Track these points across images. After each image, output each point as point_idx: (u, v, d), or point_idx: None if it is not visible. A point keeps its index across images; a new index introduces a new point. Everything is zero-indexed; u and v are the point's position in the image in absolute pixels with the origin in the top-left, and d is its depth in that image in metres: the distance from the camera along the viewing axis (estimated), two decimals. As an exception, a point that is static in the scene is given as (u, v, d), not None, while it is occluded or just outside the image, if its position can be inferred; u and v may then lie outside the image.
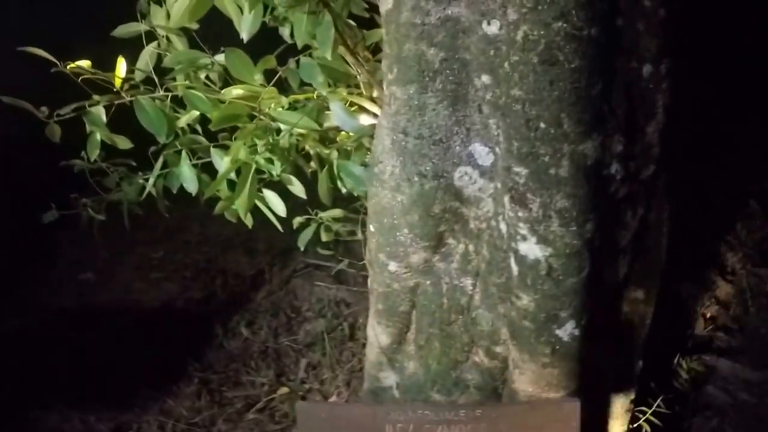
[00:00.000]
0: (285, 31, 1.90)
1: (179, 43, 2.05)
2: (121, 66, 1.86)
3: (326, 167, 1.95)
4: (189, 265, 3.50)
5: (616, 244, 1.73)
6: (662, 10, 1.54)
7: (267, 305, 3.15)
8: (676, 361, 2.56)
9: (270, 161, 1.87)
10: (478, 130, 1.55)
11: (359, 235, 2.21)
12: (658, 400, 2.14)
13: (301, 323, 3.02)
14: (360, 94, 1.92)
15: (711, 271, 3.02)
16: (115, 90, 1.86)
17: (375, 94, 1.89)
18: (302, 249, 2.16)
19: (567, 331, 1.60)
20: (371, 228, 1.72)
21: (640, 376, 2.05)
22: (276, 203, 1.97)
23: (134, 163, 2.14)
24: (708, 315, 2.85)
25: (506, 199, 1.52)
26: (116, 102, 1.86)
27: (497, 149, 1.53)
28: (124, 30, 2.04)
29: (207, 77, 2.04)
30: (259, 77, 1.81)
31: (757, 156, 3.37)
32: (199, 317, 3.07)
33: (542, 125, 1.41)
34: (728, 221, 3.24)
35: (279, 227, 2.03)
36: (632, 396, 2.04)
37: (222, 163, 1.87)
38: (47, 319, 3.02)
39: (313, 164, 2.04)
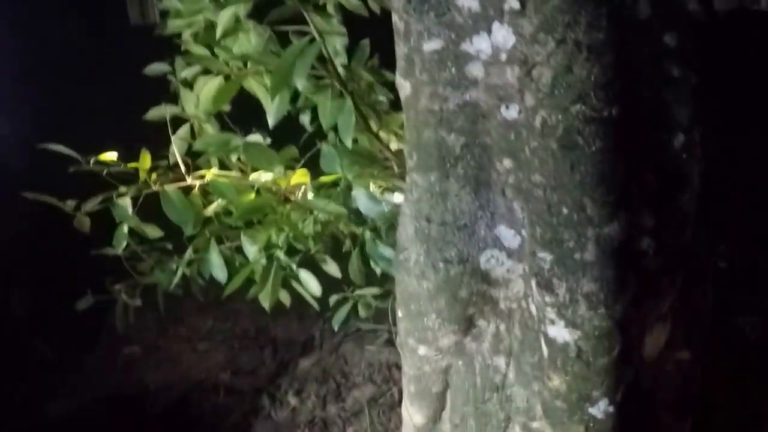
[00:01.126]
0: (306, 119, 1.92)
1: (209, 127, 2.08)
2: (146, 158, 1.89)
3: (358, 248, 1.95)
4: (238, 334, 3.50)
5: (655, 313, 1.69)
6: (693, 77, 1.51)
7: (317, 372, 3.14)
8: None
9: (295, 249, 1.88)
10: (503, 213, 1.54)
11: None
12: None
13: (350, 389, 3.00)
14: (390, 175, 1.93)
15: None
16: (142, 181, 1.90)
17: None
18: (336, 329, 2.16)
19: (601, 409, 1.57)
20: (399, 314, 1.72)
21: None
22: (310, 283, 1.98)
23: (169, 246, 2.18)
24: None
25: (533, 282, 1.50)
26: (145, 192, 1.90)
27: (523, 231, 1.52)
28: (155, 113, 2.09)
29: (239, 159, 2.07)
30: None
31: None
32: (247, 388, 3.07)
33: (565, 211, 1.40)
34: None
35: (315, 305, 2.04)
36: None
37: (250, 250, 1.89)
38: (93, 399, 3.04)
39: (347, 242, 2.05)
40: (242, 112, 2.06)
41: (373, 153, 1.87)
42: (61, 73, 3.48)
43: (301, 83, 1.66)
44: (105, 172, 1.85)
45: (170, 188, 1.83)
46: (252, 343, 3.44)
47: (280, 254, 1.85)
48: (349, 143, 1.71)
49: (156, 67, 2.16)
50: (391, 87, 1.90)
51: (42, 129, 2.19)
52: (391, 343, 3.19)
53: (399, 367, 2.99)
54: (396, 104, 1.91)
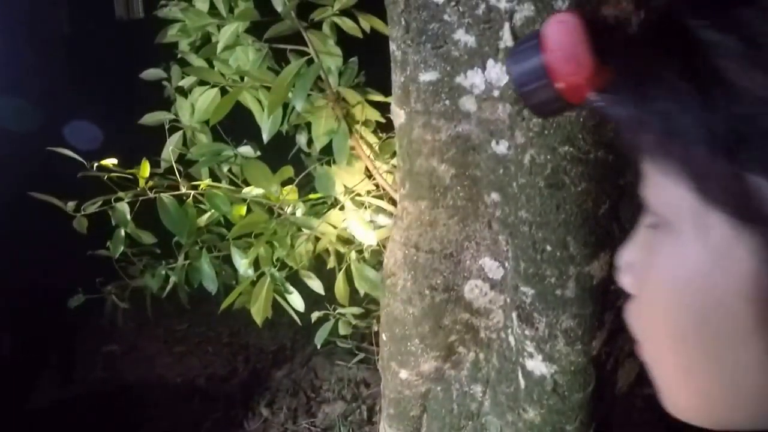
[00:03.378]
0: (302, 139, 1.95)
1: (203, 136, 2.11)
2: (146, 167, 1.92)
3: (344, 269, 1.98)
4: (212, 338, 3.53)
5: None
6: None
7: (288, 384, 3.17)
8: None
9: (283, 264, 1.91)
10: (488, 245, 1.57)
11: (376, 328, 2.23)
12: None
13: (321, 404, 3.03)
14: (379, 196, 1.96)
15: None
16: (140, 188, 1.92)
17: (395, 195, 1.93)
18: (318, 346, 2.19)
19: (574, 444, 1.61)
20: (383, 337, 1.75)
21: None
22: (295, 299, 2.01)
23: (158, 251, 2.20)
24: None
25: (514, 315, 1.54)
26: (141, 198, 1.93)
27: (506, 264, 1.56)
28: (150, 118, 2.12)
29: (230, 170, 2.10)
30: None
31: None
32: (221, 395, 3.09)
33: (548, 248, 1.44)
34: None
35: (298, 320, 2.06)
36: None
37: (241, 263, 1.91)
38: (73, 392, 3.06)
39: (332, 260, 2.08)
40: (234, 122, 2.08)
41: (362, 174, 1.90)
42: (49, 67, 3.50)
43: (300, 104, 1.69)
44: (106, 177, 1.87)
45: (166, 197, 1.85)
46: (225, 348, 3.46)
47: (274, 271, 1.87)
48: (343, 164, 1.75)
49: (152, 73, 2.18)
50: (381, 107, 1.93)
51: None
52: (361, 360, 3.22)
53: (367, 385, 3.04)
54: (384, 125, 1.95)
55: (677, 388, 0.58)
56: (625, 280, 0.62)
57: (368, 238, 1.80)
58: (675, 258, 0.52)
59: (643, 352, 0.60)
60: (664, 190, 0.52)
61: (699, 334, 0.51)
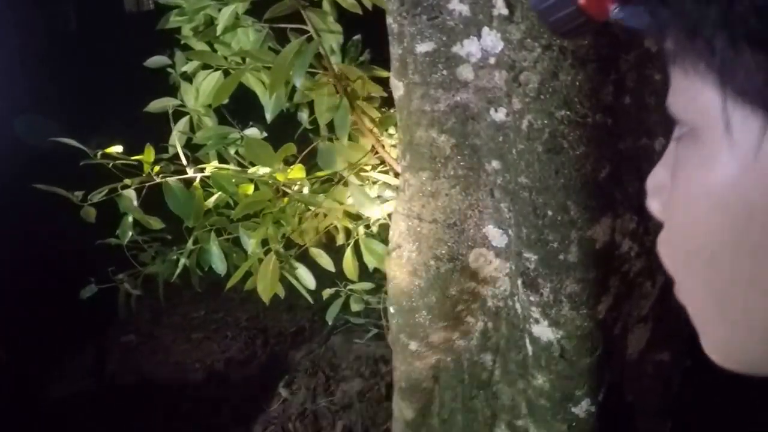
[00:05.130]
0: (303, 116, 1.96)
1: (208, 120, 2.12)
2: (150, 152, 1.93)
3: (352, 244, 1.99)
4: (230, 324, 3.56)
5: (637, 314, 1.74)
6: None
7: (306, 364, 3.19)
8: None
9: (291, 242, 1.93)
10: (491, 213, 1.58)
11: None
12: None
13: (339, 382, 3.05)
14: (384, 171, 1.97)
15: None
16: (145, 173, 1.94)
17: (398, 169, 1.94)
18: (330, 322, 2.20)
19: (583, 408, 1.61)
20: (391, 309, 1.76)
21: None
22: (305, 277, 2.02)
23: (169, 237, 2.22)
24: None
25: (519, 282, 1.54)
26: (148, 184, 1.94)
27: (510, 231, 1.56)
28: (156, 105, 2.13)
29: (236, 152, 2.11)
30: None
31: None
32: (240, 378, 3.12)
33: (549, 213, 1.44)
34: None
35: (309, 299, 2.08)
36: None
37: (248, 243, 1.93)
38: (92, 384, 3.11)
39: (341, 237, 2.09)
40: (239, 105, 2.10)
41: (367, 150, 1.91)
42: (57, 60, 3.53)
43: (299, 81, 1.70)
44: (111, 164, 1.89)
45: (172, 181, 1.86)
46: (244, 333, 3.49)
47: (279, 248, 1.89)
48: (344, 140, 1.75)
49: (156, 60, 2.19)
50: (383, 83, 1.93)
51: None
52: (378, 337, 3.24)
53: (386, 362, 3.06)
54: (388, 101, 1.94)
55: (714, 325, 0.54)
56: (654, 205, 0.59)
57: (371, 210, 1.80)
58: (702, 168, 0.48)
59: (677, 290, 0.56)
60: (691, 95, 0.48)
61: (733, 255, 0.48)
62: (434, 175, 1.58)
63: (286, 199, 1.91)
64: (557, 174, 1.41)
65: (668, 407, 1.99)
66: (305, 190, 1.94)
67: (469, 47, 1.48)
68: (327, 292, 2.19)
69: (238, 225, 2.03)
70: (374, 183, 1.94)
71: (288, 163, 1.95)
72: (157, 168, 1.91)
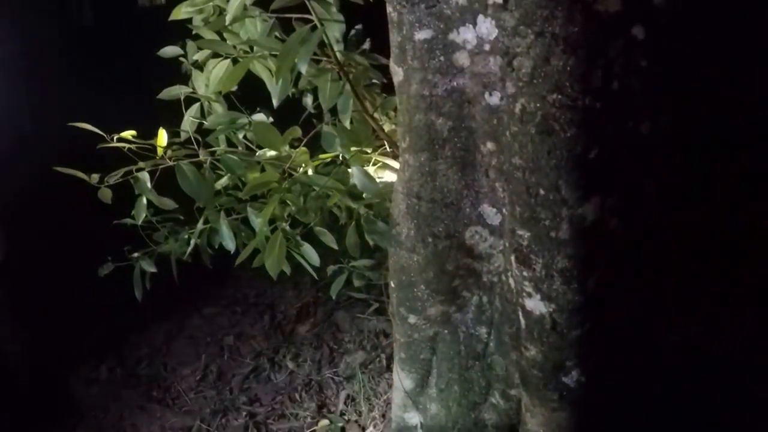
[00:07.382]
0: (308, 101, 2.04)
1: (218, 106, 2.20)
2: (163, 136, 2.01)
3: (354, 222, 2.07)
4: (239, 300, 3.65)
5: (627, 288, 1.81)
6: (660, 67, 1.61)
7: (311, 338, 3.29)
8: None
9: (296, 221, 2.01)
10: (486, 192, 1.66)
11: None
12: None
13: (342, 355, 3.15)
14: (385, 154, 2.05)
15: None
16: (159, 156, 2.02)
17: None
18: (333, 297, 2.29)
19: (573, 378, 1.70)
20: (392, 284, 1.85)
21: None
22: (310, 254, 2.10)
23: (182, 217, 2.31)
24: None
25: (512, 258, 1.63)
26: (161, 167, 2.02)
27: (504, 210, 1.64)
28: (168, 93, 2.21)
29: (245, 136, 2.19)
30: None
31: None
32: (248, 351, 3.23)
33: (541, 192, 1.51)
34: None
35: (314, 275, 2.16)
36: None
37: (256, 222, 2.01)
38: (111, 358, 3.23)
39: (344, 215, 2.18)
40: (248, 92, 2.17)
41: (368, 133, 1.98)
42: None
43: (304, 68, 1.77)
44: (126, 148, 1.97)
45: (184, 163, 1.94)
46: (252, 308, 3.58)
47: (286, 227, 1.97)
48: (347, 124, 1.84)
49: (169, 50, 2.26)
50: (384, 70, 2.00)
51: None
52: (379, 311, 3.33)
53: (387, 335, 3.15)
54: (389, 87, 2.02)
55: None
56: None
57: (370, 187, 1.88)
58: None
59: None
60: None
61: None
62: (432, 156, 1.66)
63: (290, 180, 1.99)
64: (549, 155, 1.49)
65: (659, 380, 2.06)
66: (310, 172, 2.02)
67: (465, 34, 1.56)
68: (330, 269, 2.27)
69: (246, 205, 2.11)
70: (374, 165, 2.02)
71: (293, 146, 2.03)
72: (170, 152, 1.99)
